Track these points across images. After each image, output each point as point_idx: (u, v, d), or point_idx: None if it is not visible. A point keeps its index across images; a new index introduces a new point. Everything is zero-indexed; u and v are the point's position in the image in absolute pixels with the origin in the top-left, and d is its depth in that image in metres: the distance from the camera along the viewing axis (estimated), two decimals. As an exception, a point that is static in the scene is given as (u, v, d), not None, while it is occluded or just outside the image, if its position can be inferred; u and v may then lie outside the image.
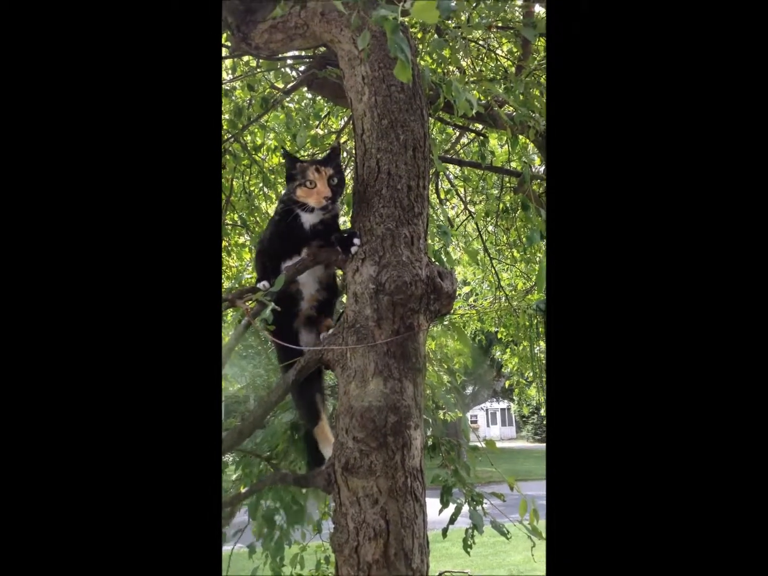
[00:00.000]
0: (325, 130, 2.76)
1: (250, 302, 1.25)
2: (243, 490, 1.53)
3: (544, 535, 1.72)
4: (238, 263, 3.17)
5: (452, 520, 1.76)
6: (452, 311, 4.18)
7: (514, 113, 2.01)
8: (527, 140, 2.16)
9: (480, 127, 2.33)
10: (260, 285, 1.32)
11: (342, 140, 2.68)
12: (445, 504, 1.79)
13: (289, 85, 2.13)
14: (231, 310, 1.44)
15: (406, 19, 1.27)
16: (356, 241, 1.32)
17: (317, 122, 2.60)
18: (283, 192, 1.53)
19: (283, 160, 1.45)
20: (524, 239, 2.68)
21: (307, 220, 1.38)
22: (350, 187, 1.76)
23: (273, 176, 2.77)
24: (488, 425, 28.35)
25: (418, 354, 1.29)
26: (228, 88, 2.22)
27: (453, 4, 1.20)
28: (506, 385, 4.91)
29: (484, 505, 1.80)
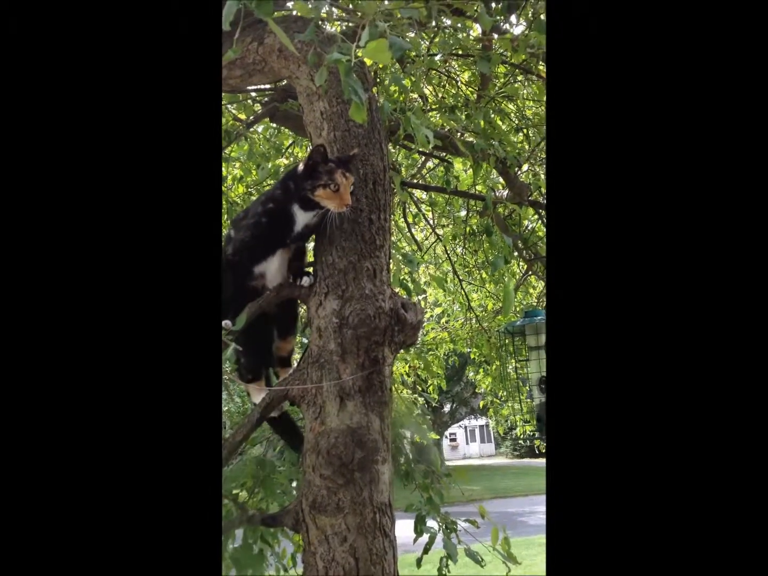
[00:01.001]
0: (291, 159, 2.78)
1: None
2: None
3: (519, 560, 1.72)
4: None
5: (426, 550, 1.75)
6: (425, 333, 4.18)
7: (474, 141, 2.05)
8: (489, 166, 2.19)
9: (443, 153, 2.37)
10: (223, 324, 1.30)
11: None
12: (419, 533, 1.78)
13: (251, 117, 2.14)
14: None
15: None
16: (305, 280, 1.34)
17: (280, 156, 2.61)
18: (272, 191, 1.46)
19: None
20: (494, 255, 2.71)
21: (301, 221, 1.35)
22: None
23: (239, 206, 2.76)
24: (467, 442, 28.32)
25: (384, 387, 1.29)
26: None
27: (406, 41, 1.22)
28: (480, 405, 4.91)
29: (458, 532, 1.79)
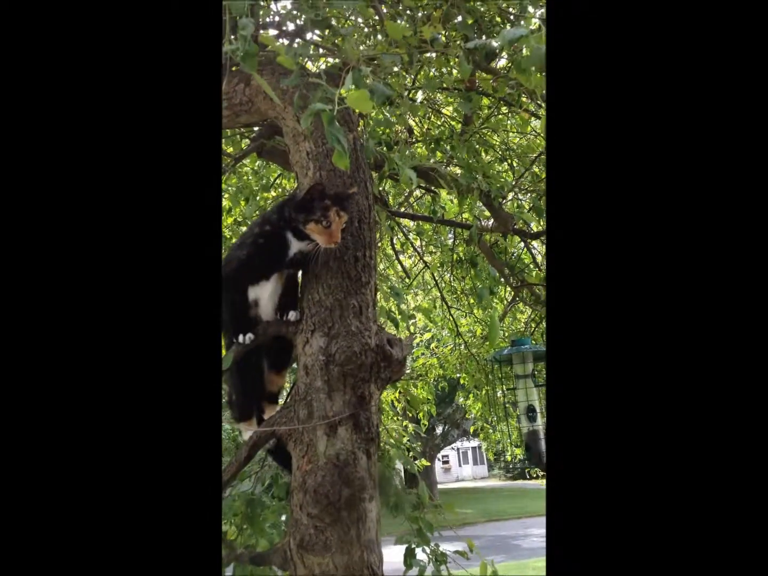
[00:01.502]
0: (279, 190, 2.81)
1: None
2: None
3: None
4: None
5: (415, 585, 1.74)
6: (414, 358, 4.18)
7: (459, 174, 2.10)
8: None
9: (429, 185, 2.41)
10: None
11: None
12: (408, 566, 1.77)
13: (239, 153, 2.17)
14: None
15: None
16: (292, 314, 1.37)
17: (266, 192, 2.65)
18: (269, 214, 1.49)
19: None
20: (479, 287, 2.74)
21: (295, 246, 1.37)
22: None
23: (229, 236, 2.78)
24: (460, 465, 28.12)
25: (371, 423, 1.30)
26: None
27: (388, 85, 1.26)
28: (471, 430, 4.91)
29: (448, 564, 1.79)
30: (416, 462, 4.10)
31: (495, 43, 1.09)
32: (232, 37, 0.99)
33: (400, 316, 1.94)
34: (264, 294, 1.41)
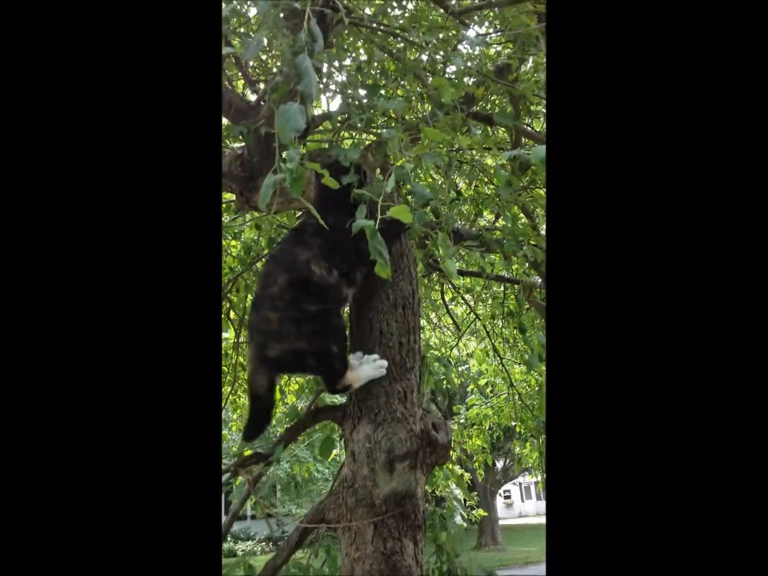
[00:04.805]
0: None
1: (251, 470, 1.32)
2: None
3: None
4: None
5: None
6: (468, 407, 4.14)
7: (504, 240, 2.13)
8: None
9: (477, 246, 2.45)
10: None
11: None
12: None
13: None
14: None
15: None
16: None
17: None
18: None
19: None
20: (533, 341, 2.73)
21: None
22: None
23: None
24: (522, 500, 27.26)
25: (417, 510, 1.34)
26: (237, 231, 2.39)
27: (428, 193, 1.33)
28: (530, 478, 4.80)
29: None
30: (473, 512, 4.07)
31: (527, 155, 1.14)
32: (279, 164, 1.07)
33: (449, 385, 1.98)
34: None
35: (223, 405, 3.03)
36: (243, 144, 1.81)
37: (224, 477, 1.35)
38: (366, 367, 1.39)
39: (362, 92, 1.72)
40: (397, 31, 1.70)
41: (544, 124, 3.01)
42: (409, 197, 1.36)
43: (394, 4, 2.44)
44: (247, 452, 1.47)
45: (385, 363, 1.40)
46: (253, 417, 1.36)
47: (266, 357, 1.32)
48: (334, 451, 1.71)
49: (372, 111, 1.47)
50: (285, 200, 1.77)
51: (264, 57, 2.42)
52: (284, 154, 1.06)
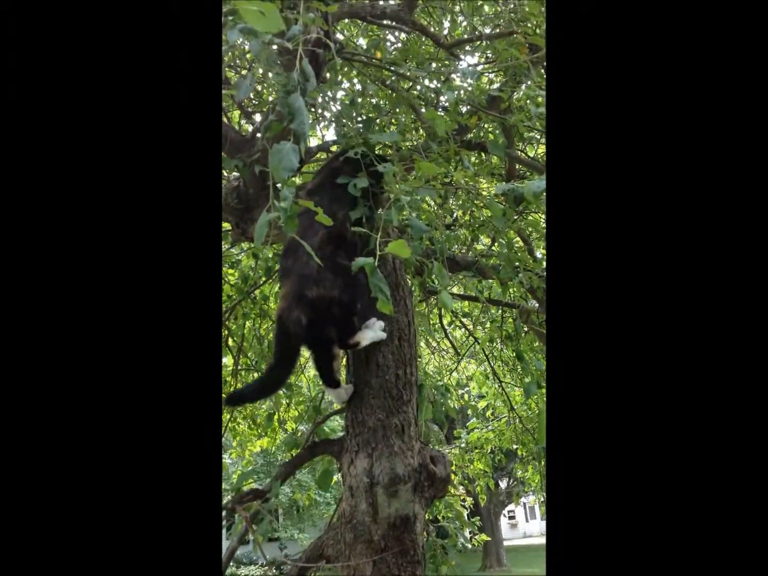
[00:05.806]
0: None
1: (248, 507, 1.31)
2: None
3: None
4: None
5: None
6: (468, 431, 4.11)
7: (501, 267, 2.14)
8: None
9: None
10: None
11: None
12: None
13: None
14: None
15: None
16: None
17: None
18: None
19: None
20: (531, 367, 2.73)
21: None
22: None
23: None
24: (527, 520, 26.93)
25: (416, 545, 1.33)
26: (234, 260, 2.40)
27: (425, 227, 1.34)
28: (532, 503, 4.75)
29: None
30: (476, 537, 4.01)
31: (521, 190, 1.15)
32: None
33: (447, 410, 1.97)
34: None
35: (222, 432, 3.04)
36: (239, 175, 1.83)
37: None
38: (374, 329, 1.46)
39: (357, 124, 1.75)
40: (389, 66, 1.73)
41: (537, 150, 3.04)
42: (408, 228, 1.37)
43: (388, 35, 2.48)
44: (247, 485, 1.46)
45: (383, 324, 1.48)
46: (279, 363, 1.41)
47: (304, 296, 1.38)
48: (335, 476, 1.71)
49: (365, 142, 1.49)
50: (281, 233, 1.78)
51: (259, 88, 2.45)
52: (279, 193, 1.07)
